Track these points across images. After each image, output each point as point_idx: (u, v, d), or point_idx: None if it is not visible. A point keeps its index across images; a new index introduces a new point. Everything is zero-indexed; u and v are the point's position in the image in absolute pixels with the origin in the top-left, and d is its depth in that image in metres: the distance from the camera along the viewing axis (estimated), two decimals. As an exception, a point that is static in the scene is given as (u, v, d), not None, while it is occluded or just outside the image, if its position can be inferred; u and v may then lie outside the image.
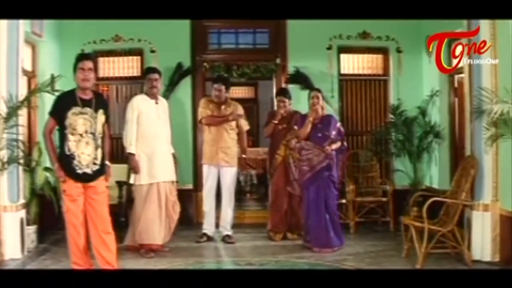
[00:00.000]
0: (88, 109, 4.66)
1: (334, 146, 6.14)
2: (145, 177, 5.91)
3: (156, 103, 6.06)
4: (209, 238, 6.59)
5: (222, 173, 6.59)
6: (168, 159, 6.12)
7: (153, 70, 6.24)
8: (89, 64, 4.68)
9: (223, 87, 6.59)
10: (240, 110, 6.66)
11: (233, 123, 6.60)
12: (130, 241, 5.93)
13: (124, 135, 5.98)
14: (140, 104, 5.99)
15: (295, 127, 6.45)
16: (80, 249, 4.70)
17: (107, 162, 4.86)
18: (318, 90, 6.43)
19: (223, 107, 6.61)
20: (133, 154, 5.89)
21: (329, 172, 6.09)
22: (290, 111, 6.73)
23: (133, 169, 5.92)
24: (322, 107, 6.33)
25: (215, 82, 6.71)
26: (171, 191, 6.06)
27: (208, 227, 6.61)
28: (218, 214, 6.71)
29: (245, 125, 6.74)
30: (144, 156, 5.93)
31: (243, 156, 6.76)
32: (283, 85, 7.64)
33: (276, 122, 6.71)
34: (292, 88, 7.47)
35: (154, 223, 5.86)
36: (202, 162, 6.71)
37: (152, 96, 6.06)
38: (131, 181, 6.04)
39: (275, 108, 7.03)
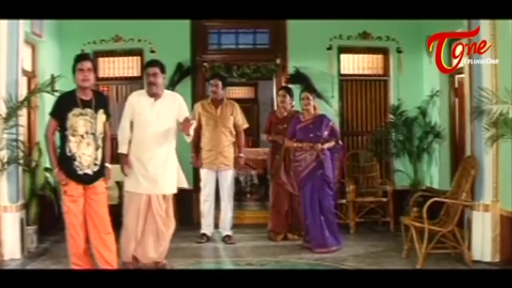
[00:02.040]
0: (88, 110, 4.66)
1: (327, 145, 6.13)
2: (133, 184, 5.18)
3: (155, 101, 5.24)
4: (209, 239, 6.59)
5: (220, 176, 6.57)
6: (165, 168, 5.21)
7: (151, 63, 5.45)
8: (87, 64, 4.67)
9: (219, 83, 6.57)
10: (238, 108, 6.65)
11: (230, 125, 6.55)
12: None
13: (118, 133, 5.38)
14: (135, 102, 5.27)
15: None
16: (80, 250, 4.70)
17: (107, 164, 4.84)
18: (309, 91, 6.42)
19: (220, 107, 6.55)
20: (123, 154, 5.22)
21: (322, 171, 6.08)
22: (292, 111, 6.72)
23: (121, 169, 5.25)
24: (315, 107, 6.32)
25: (211, 78, 6.72)
26: (161, 206, 5.17)
27: (207, 228, 6.61)
28: (217, 215, 6.70)
29: (243, 124, 6.67)
30: (136, 161, 5.19)
31: (240, 155, 6.60)
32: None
33: (271, 138, 6.73)
34: (292, 88, 7.47)
35: (132, 240, 5.14)
36: (199, 167, 6.62)
37: (151, 93, 5.27)
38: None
39: (275, 107, 7.02)
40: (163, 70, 5.31)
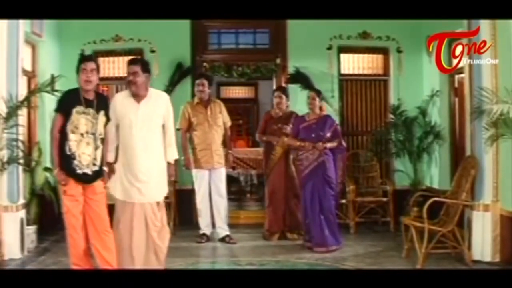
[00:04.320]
0: (90, 110, 4.65)
1: (329, 145, 6.13)
2: (124, 192, 4.81)
3: (139, 103, 4.81)
4: (209, 238, 6.61)
5: (213, 174, 6.59)
6: (154, 175, 4.82)
7: (131, 62, 4.98)
8: (91, 65, 4.67)
9: (205, 82, 6.60)
10: (223, 107, 6.71)
11: (221, 123, 6.60)
12: None
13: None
14: (118, 104, 4.85)
15: (288, 127, 6.51)
16: (80, 250, 4.68)
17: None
18: (316, 92, 6.41)
19: (209, 107, 6.58)
20: (109, 162, 4.86)
21: (323, 171, 6.09)
22: (287, 112, 6.73)
23: (108, 176, 4.84)
24: (321, 108, 6.33)
25: (197, 78, 6.75)
26: (155, 214, 4.82)
27: (206, 228, 6.63)
28: (212, 213, 6.71)
29: (228, 122, 6.73)
30: (125, 168, 4.81)
31: (229, 152, 6.71)
32: (283, 85, 7.64)
33: (264, 139, 6.78)
34: (292, 88, 7.47)
35: (128, 255, 4.79)
36: (192, 167, 6.59)
37: (132, 94, 4.84)
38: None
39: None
40: (145, 69, 4.82)
